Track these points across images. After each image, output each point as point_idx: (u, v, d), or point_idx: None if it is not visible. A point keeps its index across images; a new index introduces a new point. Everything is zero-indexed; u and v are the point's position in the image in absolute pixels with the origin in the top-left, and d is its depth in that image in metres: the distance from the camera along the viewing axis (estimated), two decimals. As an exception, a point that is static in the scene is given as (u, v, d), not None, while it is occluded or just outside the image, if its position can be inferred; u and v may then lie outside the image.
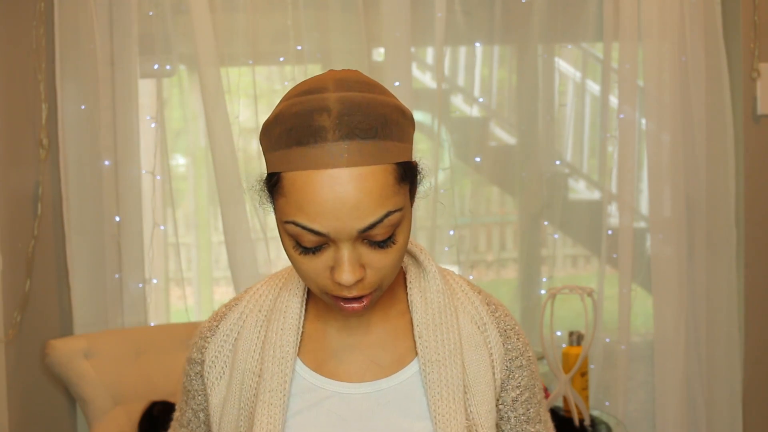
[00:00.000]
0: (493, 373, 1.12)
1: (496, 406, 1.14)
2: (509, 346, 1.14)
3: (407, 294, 1.14)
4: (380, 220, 0.97)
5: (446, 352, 1.09)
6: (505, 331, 1.15)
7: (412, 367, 1.11)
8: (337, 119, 0.96)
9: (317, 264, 1.00)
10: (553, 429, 1.23)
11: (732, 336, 2.85)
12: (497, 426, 1.15)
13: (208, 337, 1.18)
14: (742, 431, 2.87)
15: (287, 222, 0.99)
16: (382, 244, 0.99)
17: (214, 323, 1.19)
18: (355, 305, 1.02)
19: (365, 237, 0.98)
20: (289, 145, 0.97)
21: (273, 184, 1.00)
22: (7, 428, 2.49)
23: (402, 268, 1.16)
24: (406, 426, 1.08)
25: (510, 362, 1.14)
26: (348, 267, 0.98)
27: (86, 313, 2.74)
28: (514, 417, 1.15)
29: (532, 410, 1.16)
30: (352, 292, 1.01)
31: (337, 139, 0.95)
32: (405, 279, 1.16)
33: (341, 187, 0.95)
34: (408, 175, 1.01)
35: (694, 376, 2.84)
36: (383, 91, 1.03)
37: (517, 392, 1.15)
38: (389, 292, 1.14)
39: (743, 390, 2.87)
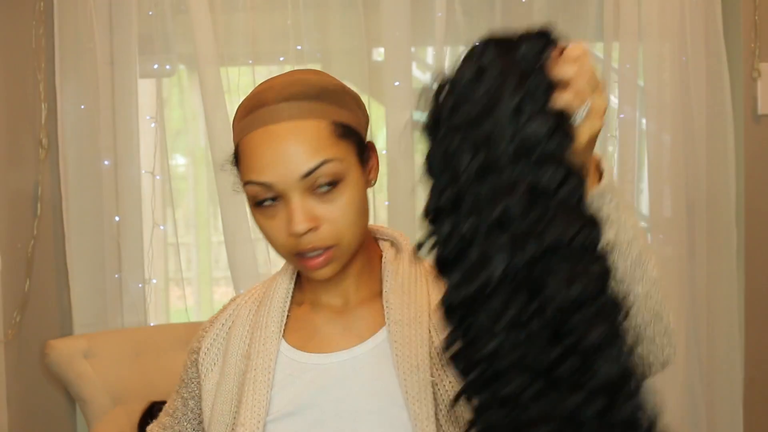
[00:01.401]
0: None
1: None
2: None
3: (381, 269, 1.21)
4: (318, 167, 1.06)
5: (411, 314, 1.14)
6: None
7: (384, 333, 1.16)
8: (278, 90, 1.10)
9: (276, 223, 1.09)
10: None
11: (732, 336, 2.85)
12: None
13: (207, 329, 1.26)
14: (743, 431, 2.87)
15: (245, 184, 1.10)
16: (326, 189, 1.07)
17: (215, 317, 1.28)
18: (315, 260, 1.09)
19: (310, 187, 1.07)
20: (242, 119, 1.12)
21: (235, 157, 1.13)
22: (7, 428, 2.49)
23: (380, 249, 1.23)
24: (378, 388, 1.12)
25: None
26: (297, 216, 1.07)
27: (86, 313, 2.73)
28: None
29: None
30: (310, 242, 1.08)
31: (276, 102, 1.08)
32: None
33: (279, 138, 1.07)
34: (350, 135, 1.11)
35: (694, 377, 2.84)
36: (332, 78, 1.15)
37: None
38: (372, 274, 1.20)
39: (744, 390, 2.87)
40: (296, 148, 1.06)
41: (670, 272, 2.80)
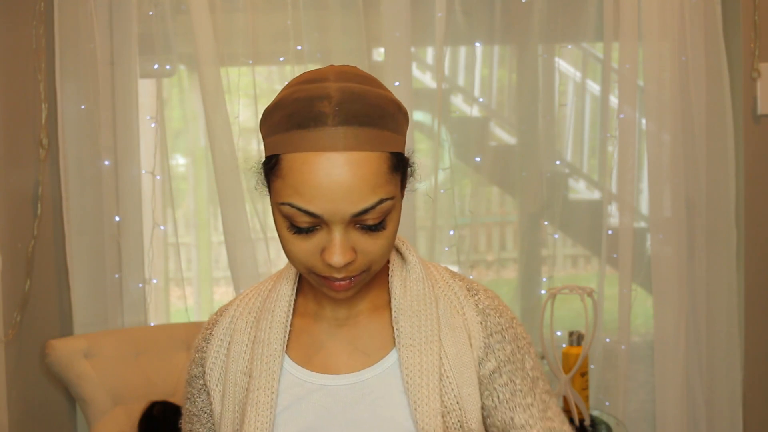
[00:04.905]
0: (473, 353, 1.13)
1: (480, 384, 1.14)
2: (487, 323, 1.15)
3: (387, 279, 1.17)
4: (373, 206, 1.01)
5: (422, 338, 1.12)
6: (483, 309, 1.16)
7: (393, 356, 1.13)
8: (336, 106, 1.00)
9: (309, 245, 1.04)
10: (558, 410, 1.19)
11: (732, 336, 2.85)
12: (486, 407, 1.14)
13: (204, 348, 1.20)
14: (743, 431, 2.87)
15: (283, 203, 1.02)
16: (374, 228, 1.03)
17: (208, 332, 1.21)
18: (343, 283, 1.06)
19: (357, 221, 1.02)
20: (289, 128, 1.01)
21: (271, 167, 1.03)
22: (7, 428, 2.49)
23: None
24: (388, 414, 1.10)
25: (488, 338, 1.15)
26: (339, 249, 1.02)
27: (86, 313, 2.74)
28: (496, 388, 1.13)
29: (518, 382, 1.14)
30: (341, 273, 1.04)
31: (336, 124, 0.99)
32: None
33: (337, 171, 0.98)
34: (400, 165, 1.06)
35: (694, 376, 2.84)
36: (380, 85, 1.07)
37: (496, 364, 1.14)
38: (377, 284, 1.17)
39: (743, 390, 2.87)
40: (354, 185, 0.99)
41: (670, 272, 2.81)
